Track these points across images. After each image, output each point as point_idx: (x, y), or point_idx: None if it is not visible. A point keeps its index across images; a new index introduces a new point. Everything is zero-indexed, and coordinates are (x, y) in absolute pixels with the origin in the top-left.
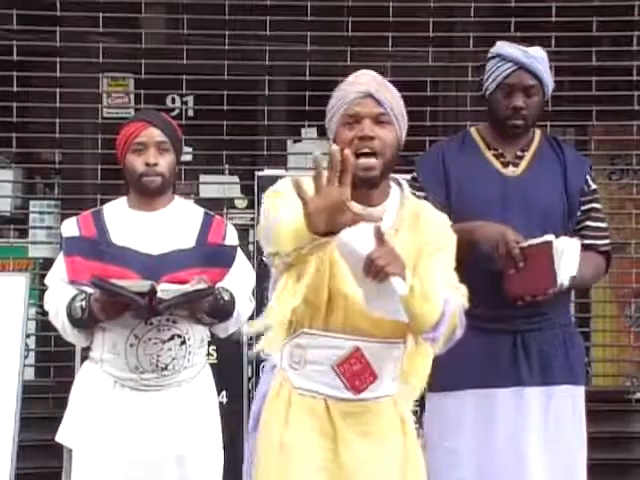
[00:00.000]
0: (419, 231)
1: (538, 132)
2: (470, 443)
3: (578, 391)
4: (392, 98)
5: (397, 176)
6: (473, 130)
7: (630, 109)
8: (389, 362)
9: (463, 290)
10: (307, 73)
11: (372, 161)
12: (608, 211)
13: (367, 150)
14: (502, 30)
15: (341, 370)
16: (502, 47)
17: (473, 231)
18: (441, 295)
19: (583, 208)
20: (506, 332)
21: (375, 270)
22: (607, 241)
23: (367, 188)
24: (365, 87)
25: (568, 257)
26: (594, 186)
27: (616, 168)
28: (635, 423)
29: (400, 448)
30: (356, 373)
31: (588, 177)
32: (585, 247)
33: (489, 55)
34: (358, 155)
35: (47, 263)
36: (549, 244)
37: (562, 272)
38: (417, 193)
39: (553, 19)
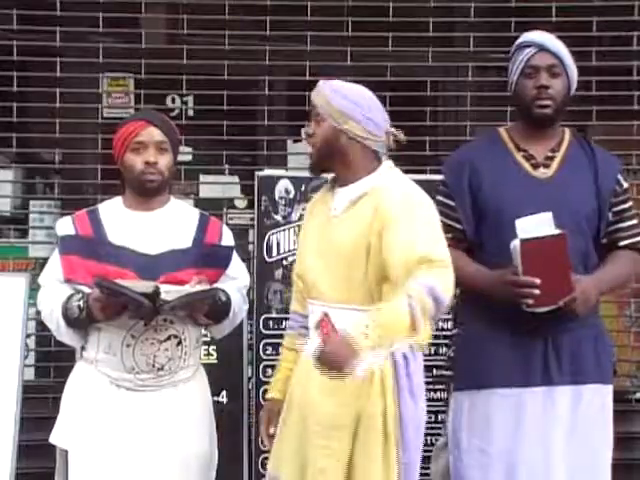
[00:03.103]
0: (374, 220)
1: (568, 132)
2: (500, 442)
3: (607, 390)
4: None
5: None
6: (502, 131)
7: (630, 109)
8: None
9: (439, 256)
10: (307, 73)
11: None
12: None
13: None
14: (502, 30)
15: (318, 333)
16: (521, 37)
17: (474, 285)
18: (402, 302)
19: (615, 209)
20: (538, 333)
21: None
22: None
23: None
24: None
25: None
26: (626, 185)
27: None
28: (635, 423)
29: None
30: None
31: (619, 176)
32: (623, 247)
33: (510, 53)
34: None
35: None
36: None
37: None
38: (444, 200)
39: (553, 19)
